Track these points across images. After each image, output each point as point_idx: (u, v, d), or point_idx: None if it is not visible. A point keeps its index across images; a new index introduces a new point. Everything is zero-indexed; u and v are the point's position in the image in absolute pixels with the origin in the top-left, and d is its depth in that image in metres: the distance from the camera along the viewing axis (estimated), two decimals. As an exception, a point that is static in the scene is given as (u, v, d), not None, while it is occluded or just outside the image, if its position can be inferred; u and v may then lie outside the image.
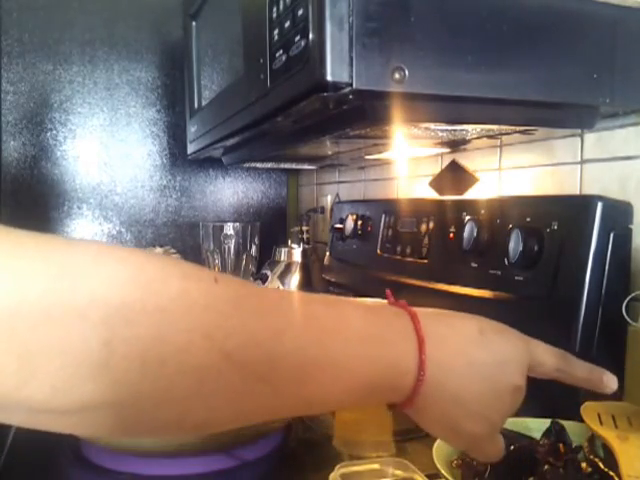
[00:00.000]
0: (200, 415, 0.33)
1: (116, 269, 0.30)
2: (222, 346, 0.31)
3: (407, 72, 0.53)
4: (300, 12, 0.55)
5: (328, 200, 1.48)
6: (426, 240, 0.90)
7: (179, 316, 0.30)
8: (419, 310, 0.41)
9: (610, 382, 0.47)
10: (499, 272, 0.71)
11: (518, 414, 0.59)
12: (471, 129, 0.71)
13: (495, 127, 0.69)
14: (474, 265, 0.76)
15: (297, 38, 0.56)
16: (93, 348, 0.28)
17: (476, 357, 0.41)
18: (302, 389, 0.36)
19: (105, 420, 0.31)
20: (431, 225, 0.89)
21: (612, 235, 0.62)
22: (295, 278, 1.27)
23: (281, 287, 1.26)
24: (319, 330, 0.36)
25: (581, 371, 0.48)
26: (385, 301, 0.43)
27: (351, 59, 0.51)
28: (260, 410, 0.36)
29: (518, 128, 0.70)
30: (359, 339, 0.37)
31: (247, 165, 1.26)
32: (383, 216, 1.05)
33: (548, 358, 0.46)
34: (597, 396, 0.58)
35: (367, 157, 1.06)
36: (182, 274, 0.32)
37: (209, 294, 0.32)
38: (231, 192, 1.61)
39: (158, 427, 0.33)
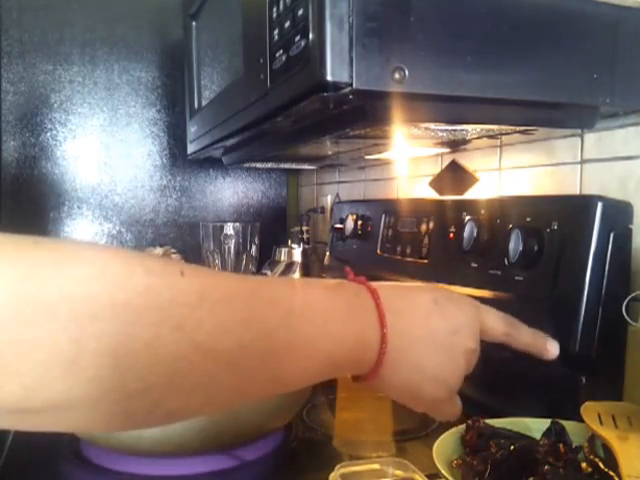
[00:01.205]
0: (172, 404, 0.34)
1: (82, 268, 0.30)
2: (192, 337, 0.32)
3: (407, 72, 0.53)
4: (300, 12, 0.55)
5: (328, 200, 1.48)
6: (426, 240, 0.90)
7: (146, 310, 0.31)
8: (378, 285, 0.44)
9: (553, 348, 0.53)
10: (499, 272, 0.71)
11: (518, 414, 0.59)
12: (471, 129, 0.71)
13: (495, 127, 0.69)
14: (474, 265, 0.76)
15: (297, 38, 0.56)
16: (62, 346, 0.28)
17: (433, 326, 0.44)
18: (272, 371, 0.37)
19: (79, 416, 0.31)
20: (431, 225, 0.89)
21: (612, 235, 0.62)
22: (295, 278, 1.27)
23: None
24: (285, 313, 0.37)
25: (527, 336, 0.52)
26: (345, 280, 0.45)
27: (351, 59, 0.51)
28: (230, 394, 0.37)
29: (518, 128, 0.70)
30: (324, 319, 0.39)
31: (247, 165, 1.26)
32: (383, 216, 1.05)
33: (497, 323, 0.50)
34: (597, 396, 0.58)
35: (367, 157, 1.06)
36: (147, 269, 0.32)
37: (175, 287, 0.33)
38: (231, 192, 1.61)
39: (129, 418, 0.34)
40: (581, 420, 0.54)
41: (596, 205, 0.62)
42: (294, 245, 1.31)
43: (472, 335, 0.47)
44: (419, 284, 0.48)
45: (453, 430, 0.55)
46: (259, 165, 1.24)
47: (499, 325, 0.50)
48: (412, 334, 0.43)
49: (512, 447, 0.50)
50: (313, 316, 0.39)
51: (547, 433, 0.52)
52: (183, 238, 1.56)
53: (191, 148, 1.18)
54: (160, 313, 0.31)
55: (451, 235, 0.83)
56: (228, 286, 0.36)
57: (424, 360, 0.44)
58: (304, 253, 1.30)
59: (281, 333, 0.36)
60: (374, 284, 0.44)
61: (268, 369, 0.37)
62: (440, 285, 0.83)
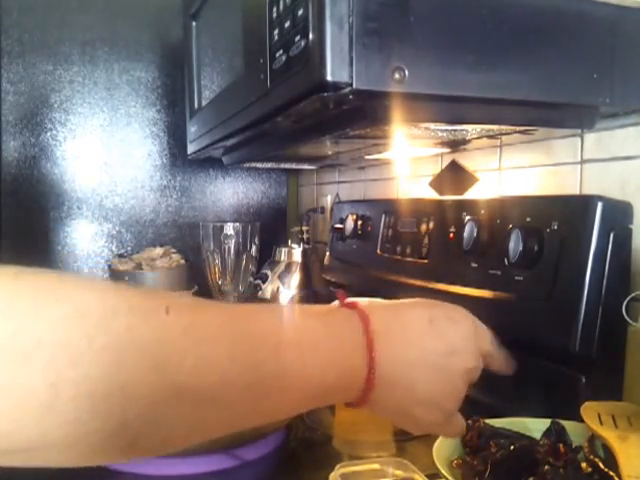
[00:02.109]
0: (151, 439, 0.33)
1: (62, 308, 0.29)
2: (172, 378, 0.31)
3: (407, 72, 0.53)
4: (300, 12, 0.55)
5: (328, 200, 1.48)
6: (426, 240, 0.90)
7: (126, 352, 0.30)
8: (371, 307, 0.42)
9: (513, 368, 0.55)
10: (499, 272, 0.71)
11: (518, 414, 0.59)
12: (471, 129, 0.71)
13: (495, 127, 0.69)
14: (474, 265, 0.76)
15: (297, 38, 0.56)
16: (39, 391, 0.28)
17: (427, 348, 0.42)
18: (258, 404, 0.36)
19: (56, 455, 0.31)
20: (431, 225, 0.89)
21: (612, 235, 0.62)
22: (295, 278, 1.27)
23: (281, 287, 1.26)
24: (273, 346, 0.36)
25: (500, 360, 0.54)
26: (337, 303, 0.43)
27: (351, 59, 0.51)
28: (214, 427, 0.36)
29: (518, 128, 0.70)
30: (312, 349, 0.38)
31: (247, 165, 1.26)
32: (383, 216, 1.05)
33: (487, 344, 0.50)
34: (597, 396, 0.58)
35: (367, 157, 1.06)
36: (130, 307, 0.31)
37: (158, 327, 0.32)
38: (231, 192, 1.61)
39: (110, 454, 0.33)
40: (581, 420, 0.54)
41: (596, 205, 0.62)
42: (294, 245, 1.31)
43: (470, 354, 0.46)
44: (416, 300, 0.47)
45: (453, 430, 0.55)
46: (259, 165, 1.24)
47: (487, 346, 0.50)
48: (404, 357, 0.41)
49: (512, 447, 0.50)
50: (301, 347, 0.38)
51: (547, 433, 0.52)
52: (183, 238, 1.56)
53: (191, 148, 1.18)
54: (141, 354, 0.30)
55: (451, 235, 0.83)
56: (215, 321, 0.35)
57: (417, 384, 0.42)
58: (304, 253, 1.30)
59: (268, 366, 0.35)
60: (367, 305, 0.42)
61: (254, 402, 0.36)
62: (440, 285, 0.83)
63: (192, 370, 0.32)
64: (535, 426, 0.56)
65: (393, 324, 0.42)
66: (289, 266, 1.29)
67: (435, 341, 0.43)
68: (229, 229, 1.35)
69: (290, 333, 0.38)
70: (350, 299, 0.44)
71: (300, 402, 0.39)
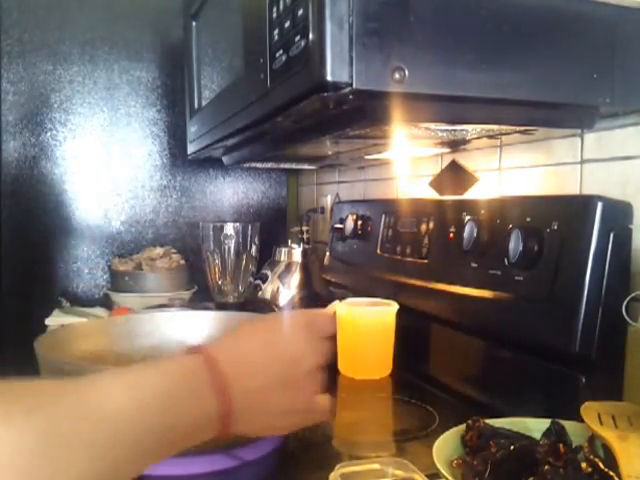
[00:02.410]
0: None
1: None
2: None
3: (407, 72, 0.53)
4: (300, 12, 0.55)
5: (328, 200, 1.48)
6: (426, 240, 0.90)
7: None
8: (215, 347, 0.45)
9: None
10: (499, 272, 0.71)
11: (518, 414, 0.59)
12: (471, 129, 0.71)
13: (495, 127, 0.69)
14: (474, 265, 0.76)
15: (297, 38, 0.56)
16: None
17: (271, 370, 0.46)
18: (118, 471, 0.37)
19: None
20: (431, 225, 0.89)
21: (612, 235, 0.62)
22: (295, 278, 1.27)
23: (281, 287, 1.26)
24: (113, 423, 0.37)
25: None
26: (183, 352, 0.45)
27: (351, 59, 0.51)
28: None
29: (518, 128, 0.70)
30: (161, 407, 0.40)
31: (247, 165, 1.26)
32: (383, 216, 1.05)
33: (327, 324, 0.54)
34: (597, 396, 0.58)
35: (367, 157, 1.06)
36: None
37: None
38: (231, 192, 1.61)
39: None
40: (581, 420, 0.54)
41: (596, 205, 0.62)
42: (294, 245, 1.31)
43: (310, 354, 0.49)
44: (253, 327, 0.50)
45: (453, 430, 0.55)
46: (259, 165, 1.24)
47: (330, 329, 0.55)
48: (253, 386, 0.45)
49: (512, 447, 0.50)
50: (149, 410, 0.39)
51: (547, 433, 0.52)
52: (183, 238, 1.56)
53: (191, 148, 1.18)
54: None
55: (451, 235, 0.83)
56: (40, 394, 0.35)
57: (271, 403, 0.46)
58: (304, 253, 1.30)
59: (118, 440, 0.36)
60: (212, 348, 0.45)
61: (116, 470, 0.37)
62: (440, 285, 0.83)
63: None
64: (535, 426, 0.56)
65: (238, 358, 0.46)
66: (289, 266, 1.29)
67: (276, 362, 0.47)
68: (229, 229, 1.35)
69: (132, 402, 0.38)
70: (196, 345, 0.46)
71: (162, 453, 0.41)
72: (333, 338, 0.54)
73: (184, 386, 0.42)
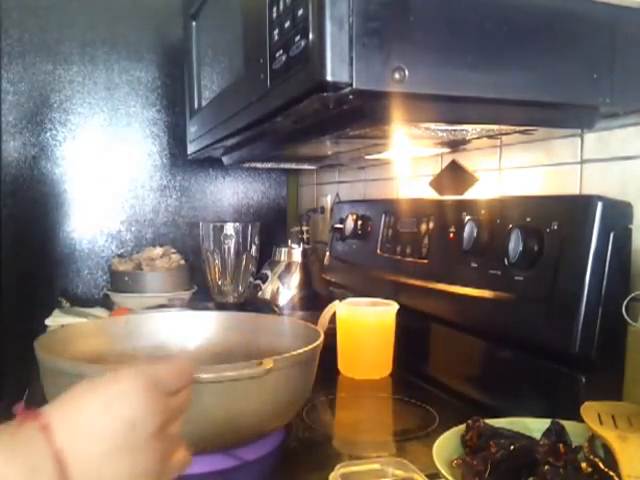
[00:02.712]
0: None
1: None
2: None
3: (407, 72, 0.53)
4: (300, 12, 0.55)
5: (328, 200, 1.48)
6: (426, 240, 0.90)
7: None
8: (51, 411, 0.43)
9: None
10: (499, 272, 0.71)
11: (518, 414, 0.59)
12: (471, 129, 0.71)
13: (495, 127, 0.69)
14: (474, 265, 0.76)
15: (297, 38, 0.56)
16: None
17: (109, 436, 0.44)
18: None
19: None
20: (431, 225, 0.89)
21: (612, 235, 0.62)
22: (295, 278, 1.27)
23: (281, 287, 1.26)
24: None
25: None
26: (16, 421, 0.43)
27: (351, 59, 0.51)
28: None
29: (518, 128, 0.70)
30: None
31: (247, 165, 1.26)
32: (383, 216, 1.05)
33: (171, 372, 0.49)
34: (597, 396, 0.58)
35: (367, 157, 1.06)
36: None
37: None
38: (231, 192, 1.61)
39: None
40: (581, 420, 0.54)
41: (596, 205, 0.62)
42: (294, 245, 1.31)
43: (150, 417, 0.46)
44: (92, 385, 0.47)
45: (453, 430, 0.55)
46: (259, 165, 1.24)
47: (174, 384, 0.49)
48: (93, 452, 0.43)
49: (512, 447, 0.50)
50: None
51: (547, 433, 0.52)
52: (183, 238, 1.56)
53: (191, 148, 1.18)
54: None
55: (451, 235, 0.83)
56: None
57: (115, 470, 0.44)
58: (304, 253, 1.30)
59: None
60: (47, 413, 0.43)
61: None
62: (440, 285, 0.83)
63: None
64: (535, 426, 0.56)
65: (75, 422, 0.44)
66: (289, 266, 1.29)
67: (112, 427, 0.44)
68: (229, 229, 1.35)
69: None
70: (28, 411, 0.44)
71: None
72: (185, 391, 0.49)
73: (22, 456, 0.40)
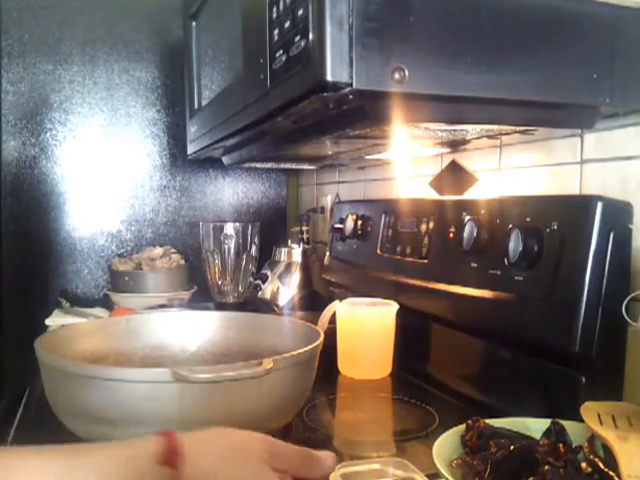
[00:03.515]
0: None
1: None
2: None
3: (407, 72, 0.53)
4: (300, 12, 0.55)
5: (328, 200, 1.48)
6: (426, 240, 0.90)
7: None
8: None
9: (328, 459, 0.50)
10: (499, 272, 0.72)
11: (518, 414, 0.59)
12: (471, 129, 0.71)
13: (495, 127, 0.69)
14: (474, 265, 0.76)
15: (297, 38, 0.56)
16: None
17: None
18: None
19: None
20: (431, 225, 0.89)
21: (612, 235, 0.62)
22: (295, 278, 1.27)
23: (281, 287, 1.26)
24: None
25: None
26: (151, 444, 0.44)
27: (351, 59, 0.51)
28: None
29: (518, 128, 0.70)
30: None
31: (247, 165, 1.26)
32: (383, 216, 1.05)
33: (290, 453, 0.49)
34: (597, 396, 0.59)
35: (367, 157, 1.06)
36: None
37: None
38: (231, 192, 1.61)
39: None
40: (581, 420, 0.54)
41: (596, 205, 0.62)
42: (294, 245, 1.31)
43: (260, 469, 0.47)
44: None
45: (453, 430, 0.55)
46: (259, 165, 1.24)
47: (289, 463, 0.49)
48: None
49: (512, 447, 0.50)
50: None
51: (547, 433, 0.52)
52: (183, 238, 1.56)
53: (191, 148, 1.18)
54: None
55: (451, 235, 0.83)
56: None
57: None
58: (304, 253, 1.30)
59: None
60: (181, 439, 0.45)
61: None
62: (440, 285, 0.83)
63: None
64: (535, 426, 0.56)
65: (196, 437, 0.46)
66: (289, 266, 1.29)
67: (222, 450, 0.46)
68: (229, 229, 1.35)
69: None
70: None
71: None
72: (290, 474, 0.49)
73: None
